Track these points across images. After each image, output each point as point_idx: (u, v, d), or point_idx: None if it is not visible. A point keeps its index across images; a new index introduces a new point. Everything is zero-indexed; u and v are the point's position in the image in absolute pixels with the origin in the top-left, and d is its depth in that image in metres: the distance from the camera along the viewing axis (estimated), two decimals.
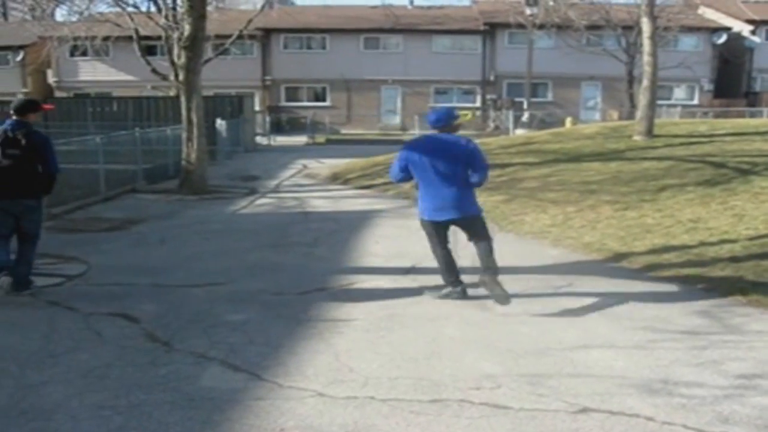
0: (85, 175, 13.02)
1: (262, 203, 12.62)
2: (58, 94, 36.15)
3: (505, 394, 4.10)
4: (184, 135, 14.58)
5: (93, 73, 37.29)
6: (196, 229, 9.93)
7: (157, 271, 7.32)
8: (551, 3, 33.01)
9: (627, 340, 5.12)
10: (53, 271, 7.39)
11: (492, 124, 34.69)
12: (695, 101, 37.27)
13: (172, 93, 25.87)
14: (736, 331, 5.32)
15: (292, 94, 37.92)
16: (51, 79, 37.95)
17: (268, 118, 32.06)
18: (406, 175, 6.17)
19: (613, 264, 7.56)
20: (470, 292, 6.07)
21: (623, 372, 4.49)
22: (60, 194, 11.40)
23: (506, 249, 8.20)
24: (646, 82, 17.93)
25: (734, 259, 7.29)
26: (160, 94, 27.62)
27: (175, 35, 16.95)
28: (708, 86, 37.71)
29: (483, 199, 11.59)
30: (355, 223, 10.00)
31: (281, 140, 29.40)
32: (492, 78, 37.28)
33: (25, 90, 36.77)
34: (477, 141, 22.80)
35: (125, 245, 8.82)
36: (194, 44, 14.08)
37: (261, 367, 4.53)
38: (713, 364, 4.62)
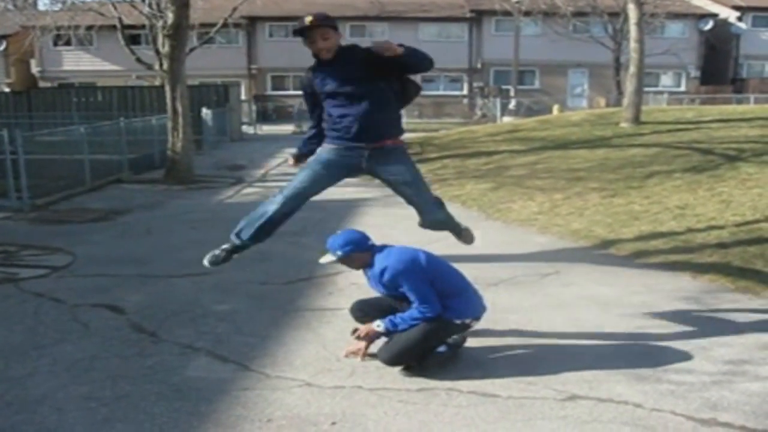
0: (70, 166, 12.91)
1: (249, 192, 12.55)
2: (41, 84, 35.82)
3: (493, 383, 4.09)
4: (169, 125, 14.46)
5: (77, 62, 36.96)
6: (182, 219, 9.86)
7: (144, 262, 7.26)
8: None
9: (615, 326, 5.12)
10: (38, 263, 7.32)
11: (479, 112, 34.64)
12: (682, 88, 37.36)
13: (157, 83, 25.67)
14: (724, 317, 5.33)
15: (279, 83, 37.74)
16: (34, 69, 37.58)
17: (254, 107, 31.90)
18: None
19: (600, 251, 7.56)
20: None
21: (612, 359, 4.49)
22: (44, 185, 11.32)
23: (493, 237, 8.21)
24: (632, 69, 17.96)
25: (722, 246, 7.31)
26: (145, 83, 27.42)
27: (159, 24, 16.76)
28: (695, 73, 37.81)
29: (470, 187, 11.64)
30: (343, 211, 9.96)
31: (268, 129, 29.25)
32: (479, 65, 37.22)
33: (8, 81, 36.41)
34: (464, 129, 22.71)
35: (111, 236, 8.74)
36: (178, 33, 13.94)
37: (248, 358, 4.50)
38: (701, 350, 4.62)
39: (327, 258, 4.26)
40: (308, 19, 4.26)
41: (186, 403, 3.86)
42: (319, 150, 4.71)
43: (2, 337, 5.04)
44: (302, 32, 4.30)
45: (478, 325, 4.48)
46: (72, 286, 6.36)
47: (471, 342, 4.54)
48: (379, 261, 4.20)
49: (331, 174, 4.64)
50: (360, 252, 4.25)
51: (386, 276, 4.13)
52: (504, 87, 34.43)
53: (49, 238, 8.40)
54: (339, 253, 4.22)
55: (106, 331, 5.11)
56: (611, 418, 3.66)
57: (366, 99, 4.35)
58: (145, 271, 6.86)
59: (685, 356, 4.51)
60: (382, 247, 4.33)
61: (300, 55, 29.65)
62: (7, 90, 32.10)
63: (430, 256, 4.27)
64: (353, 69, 4.35)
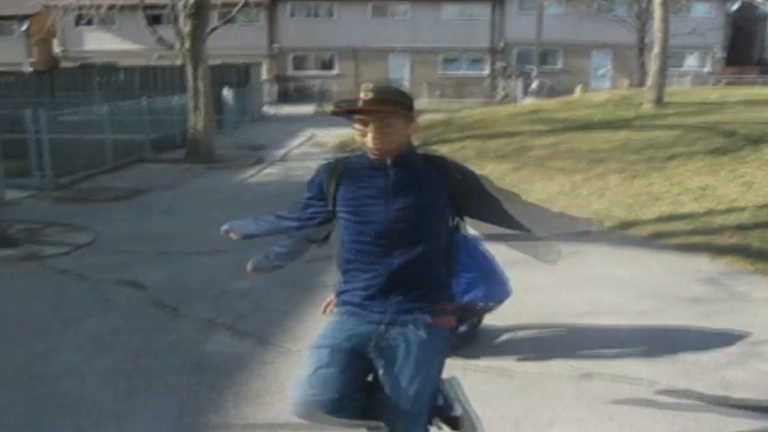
0: (92, 146, 13.04)
1: (269, 172, 12.62)
2: (63, 64, 36.05)
3: (509, 360, 4.12)
4: (190, 104, 14.55)
5: (99, 42, 37.12)
6: (203, 198, 9.95)
7: (165, 240, 7.35)
8: None
9: (632, 307, 5.13)
10: (61, 240, 7.44)
11: (501, 93, 34.45)
12: (707, 69, 36.88)
13: (178, 62, 25.75)
14: (741, 299, 5.32)
15: (300, 63, 37.71)
16: (56, 48, 37.81)
17: (275, 87, 31.94)
18: None
19: (620, 232, 7.55)
20: None
21: (628, 338, 4.51)
22: (67, 164, 11.46)
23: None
24: (656, 49, 17.73)
25: (741, 228, 7.26)
26: (166, 63, 27.51)
27: (181, 3, 16.81)
28: (720, 54, 37.29)
29: (491, 167, 11.61)
30: None
31: (288, 109, 29.30)
32: (501, 46, 36.95)
33: (30, 60, 36.69)
34: (485, 109, 22.62)
35: (133, 214, 8.85)
36: (200, 12, 13.99)
37: (267, 333, 4.57)
38: (717, 331, 4.63)
39: None
40: (366, 94, 2.57)
41: (206, 377, 3.94)
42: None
43: (27, 312, 5.15)
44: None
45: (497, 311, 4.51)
46: (95, 262, 6.46)
47: (488, 320, 4.57)
48: None
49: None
50: None
51: None
52: (526, 67, 34.17)
53: (71, 216, 8.52)
54: None
55: (128, 307, 5.21)
56: (625, 396, 3.69)
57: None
58: (167, 248, 6.96)
59: (700, 337, 4.52)
60: None
61: (322, 35, 29.61)
62: (29, 70, 32.35)
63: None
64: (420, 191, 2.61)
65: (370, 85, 2.59)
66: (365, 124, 2.56)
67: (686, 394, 3.72)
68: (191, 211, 9.05)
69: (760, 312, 4.97)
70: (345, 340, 2.54)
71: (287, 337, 4.53)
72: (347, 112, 2.63)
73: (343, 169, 2.70)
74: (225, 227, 3.19)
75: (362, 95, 2.55)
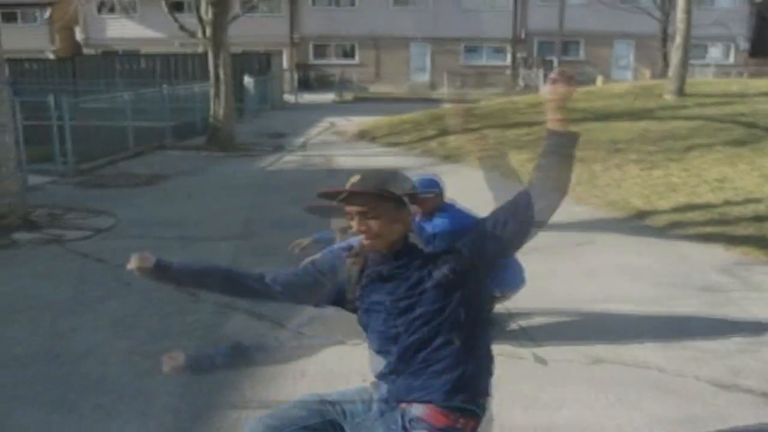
0: (114, 132, 13.20)
1: (289, 160, 12.71)
2: (85, 51, 36.33)
3: (521, 345, 4.18)
4: (211, 92, 14.67)
5: (121, 30, 37.34)
6: (222, 185, 10.06)
7: (185, 225, 7.46)
8: None
9: (645, 295, 5.16)
10: (83, 225, 7.58)
11: (522, 83, 34.32)
12: (730, 60, 36.49)
13: (200, 50, 25.91)
14: (755, 289, 5.34)
15: (321, 52, 37.74)
16: (79, 36, 38.08)
17: (295, 76, 32.02)
18: None
19: (636, 222, 7.57)
20: None
21: (639, 326, 4.55)
22: (89, 150, 11.62)
23: None
24: (678, 40, 17.62)
25: (758, 219, 7.26)
26: (188, 51, 27.67)
27: None
28: (744, 45, 36.86)
29: (510, 157, 11.62)
30: None
31: (309, 98, 29.38)
32: (523, 36, 36.77)
33: (52, 48, 37.01)
34: (505, 99, 22.46)
35: (153, 200, 8.98)
36: (222, 0, 14.08)
37: (284, 317, 4.64)
38: (728, 319, 4.66)
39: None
40: (350, 184, 2.37)
41: None
42: None
43: (49, 294, 5.28)
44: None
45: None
46: (115, 246, 6.58)
47: (501, 306, 4.63)
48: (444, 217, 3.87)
49: None
50: (440, 197, 3.93)
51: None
52: (548, 58, 34.00)
53: (93, 202, 8.66)
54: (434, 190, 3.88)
55: (147, 291, 5.31)
56: (634, 381, 3.74)
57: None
58: (187, 233, 7.07)
59: (712, 325, 4.56)
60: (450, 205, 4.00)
61: (343, 23, 29.54)
62: (51, 57, 32.66)
63: None
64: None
65: (358, 175, 2.37)
66: (351, 217, 2.33)
67: (695, 380, 3.76)
68: (211, 197, 9.16)
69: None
70: (334, 401, 2.42)
71: (303, 320, 4.61)
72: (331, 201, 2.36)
73: (365, 260, 2.42)
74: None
75: (348, 185, 2.35)
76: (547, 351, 4.13)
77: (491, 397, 2.32)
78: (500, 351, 4.03)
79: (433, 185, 3.92)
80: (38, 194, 9.23)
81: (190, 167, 11.66)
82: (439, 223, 3.78)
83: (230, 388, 3.70)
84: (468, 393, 2.26)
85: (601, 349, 4.14)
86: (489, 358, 2.37)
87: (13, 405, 3.51)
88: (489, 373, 2.36)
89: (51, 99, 10.91)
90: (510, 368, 3.89)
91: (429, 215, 3.84)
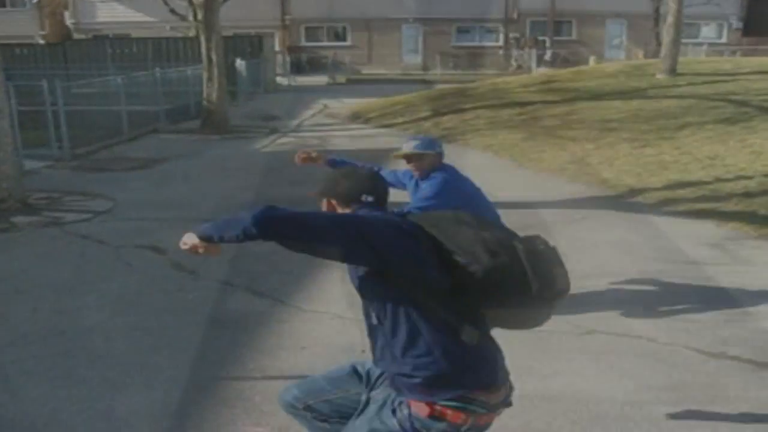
0: (108, 117, 13.22)
1: (283, 142, 12.76)
2: (76, 36, 36.14)
3: None
4: (204, 75, 14.67)
5: (111, 14, 37.13)
6: (218, 167, 10.11)
7: (182, 206, 7.53)
8: None
9: (637, 269, 5.27)
10: (81, 208, 7.64)
11: (514, 63, 34.31)
12: (723, 39, 36.51)
13: (191, 34, 25.83)
14: (744, 263, 5.45)
15: (312, 34, 37.63)
16: (68, 20, 37.86)
17: (288, 59, 31.93)
18: None
19: (628, 199, 7.67)
20: None
21: (631, 299, 4.67)
22: (83, 135, 11.65)
23: (523, 184, 8.36)
24: (670, 19, 17.67)
25: (748, 195, 7.36)
26: (179, 34, 27.57)
27: None
28: (737, 24, 36.87)
29: (502, 137, 11.71)
30: (374, 160, 10.13)
31: (301, 80, 29.33)
32: (515, 16, 36.69)
33: (42, 33, 36.79)
34: (498, 80, 22.38)
35: (150, 183, 9.03)
36: None
37: (284, 293, 4.75)
38: (718, 292, 4.78)
39: (408, 148, 3.81)
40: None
41: (226, 332, 4.13)
42: None
43: (52, 274, 5.36)
44: None
45: None
46: (115, 228, 6.66)
47: None
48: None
49: None
50: (438, 157, 3.93)
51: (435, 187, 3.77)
52: (540, 38, 34.01)
53: (90, 185, 8.71)
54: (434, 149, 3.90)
55: (148, 270, 5.41)
56: (625, 351, 3.86)
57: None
58: (184, 214, 7.14)
59: (702, 297, 4.67)
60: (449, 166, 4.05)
61: (335, 5, 29.35)
62: (41, 42, 32.48)
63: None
64: None
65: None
66: None
67: (684, 349, 3.87)
68: (207, 179, 9.22)
69: (762, 275, 5.11)
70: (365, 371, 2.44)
71: (302, 296, 4.71)
72: None
73: None
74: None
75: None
76: None
77: (498, 388, 2.18)
78: None
79: (432, 146, 3.93)
80: (35, 178, 9.27)
81: (185, 150, 11.71)
82: (432, 182, 3.81)
83: (232, 362, 3.80)
84: (444, 388, 2.13)
85: (593, 321, 4.25)
86: (473, 352, 2.17)
87: (22, 379, 3.60)
88: (471, 368, 2.17)
89: (45, 84, 10.92)
90: (505, 341, 3.99)
91: (426, 175, 3.87)
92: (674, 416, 3.22)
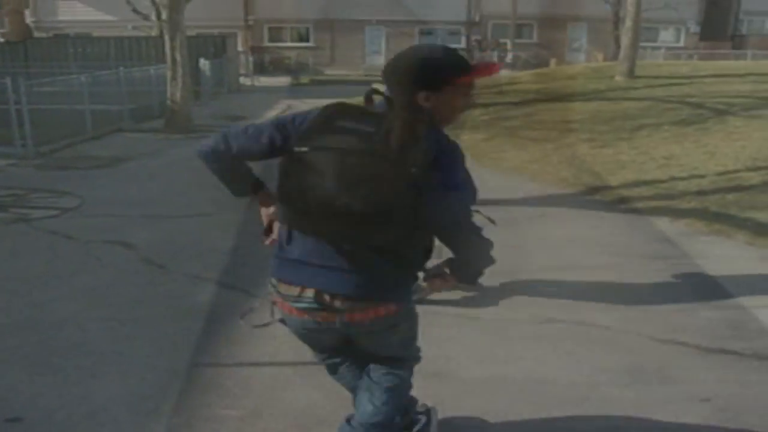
0: (71, 116, 13.15)
1: None
2: (37, 34, 35.68)
3: (478, 306, 4.47)
4: (168, 74, 14.66)
5: (72, 12, 36.76)
6: (183, 166, 10.13)
7: (149, 204, 7.59)
8: None
9: (594, 263, 5.49)
10: (48, 205, 7.65)
11: None
12: (681, 43, 37.33)
13: (153, 33, 25.71)
14: (696, 256, 5.70)
15: (275, 35, 37.64)
16: (29, 19, 37.37)
17: (251, 59, 31.91)
18: None
19: (587, 197, 7.91)
20: None
21: (589, 290, 4.87)
22: (46, 134, 11.60)
23: (484, 183, 8.54)
24: (629, 23, 18.10)
25: (701, 193, 7.65)
26: (141, 34, 27.40)
27: None
28: (694, 28, 37.72)
29: (464, 137, 11.91)
30: None
31: (265, 81, 29.34)
32: (477, 19, 37.13)
33: (2, 31, 36.25)
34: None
35: (116, 181, 9.06)
36: None
37: (254, 285, 4.85)
38: (671, 283, 5.02)
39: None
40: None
41: (198, 323, 4.24)
42: None
43: (23, 268, 5.41)
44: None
45: None
46: (83, 225, 6.70)
47: None
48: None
49: None
50: None
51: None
52: (502, 41, 34.45)
53: (56, 183, 8.71)
54: None
55: (118, 264, 5.48)
56: (582, 338, 4.05)
57: None
58: (152, 212, 7.20)
59: (655, 289, 4.91)
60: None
61: (298, 6, 29.26)
62: (1, 40, 32.01)
63: None
64: None
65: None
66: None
67: (638, 336, 4.08)
68: (173, 177, 9.27)
69: (711, 267, 5.35)
70: None
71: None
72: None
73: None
74: None
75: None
76: (500, 312, 4.43)
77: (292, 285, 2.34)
78: (459, 314, 4.34)
79: None
80: None
81: (150, 149, 11.72)
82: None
83: (205, 350, 3.91)
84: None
85: (551, 311, 4.44)
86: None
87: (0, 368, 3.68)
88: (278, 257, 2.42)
89: (8, 82, 10.86)
90: (466, 329, 4.17)
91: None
92: (627, 396, 3.41)
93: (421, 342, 2.70)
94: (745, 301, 4.61)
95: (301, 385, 3.47)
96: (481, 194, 7.13)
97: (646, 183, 8.26)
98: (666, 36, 37.83)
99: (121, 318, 4.35)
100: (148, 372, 3.64)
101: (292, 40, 37.61)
